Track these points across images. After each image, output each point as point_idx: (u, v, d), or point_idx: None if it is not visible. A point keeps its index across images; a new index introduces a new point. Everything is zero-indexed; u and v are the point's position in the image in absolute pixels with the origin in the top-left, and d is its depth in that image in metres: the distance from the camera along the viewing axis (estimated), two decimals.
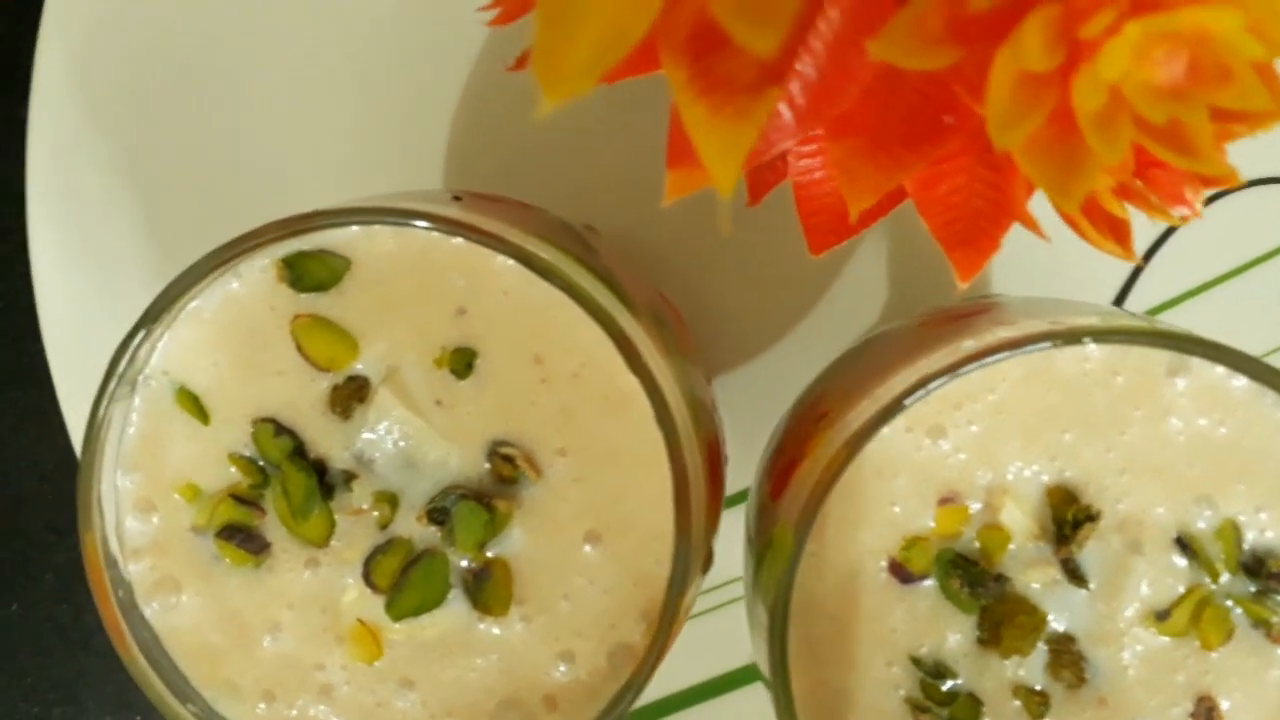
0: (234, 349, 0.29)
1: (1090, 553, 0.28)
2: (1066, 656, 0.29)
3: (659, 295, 0.36)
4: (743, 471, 0.46)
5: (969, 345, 0.27)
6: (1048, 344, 0.26)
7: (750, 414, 0.46)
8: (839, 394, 0.31)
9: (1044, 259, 0.36)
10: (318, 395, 0.29)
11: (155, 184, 0.39)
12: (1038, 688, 0.29)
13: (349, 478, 0.29)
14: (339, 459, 0.29)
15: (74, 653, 0.50)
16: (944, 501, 0.29)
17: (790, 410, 0.33)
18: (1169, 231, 0.39)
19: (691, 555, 0.28)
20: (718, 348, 0.43)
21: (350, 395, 0.29)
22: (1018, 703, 0.29)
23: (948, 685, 0.29)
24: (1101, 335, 0.26)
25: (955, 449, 0.28)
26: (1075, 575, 0.28)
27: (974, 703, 0.29)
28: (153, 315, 0.27)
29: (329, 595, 0.30)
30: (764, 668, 0.31)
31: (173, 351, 0.29)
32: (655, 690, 0.47)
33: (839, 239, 0.30)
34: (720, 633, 0.46)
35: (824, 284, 0.42)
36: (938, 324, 0.32)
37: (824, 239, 0.30)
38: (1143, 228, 0.30)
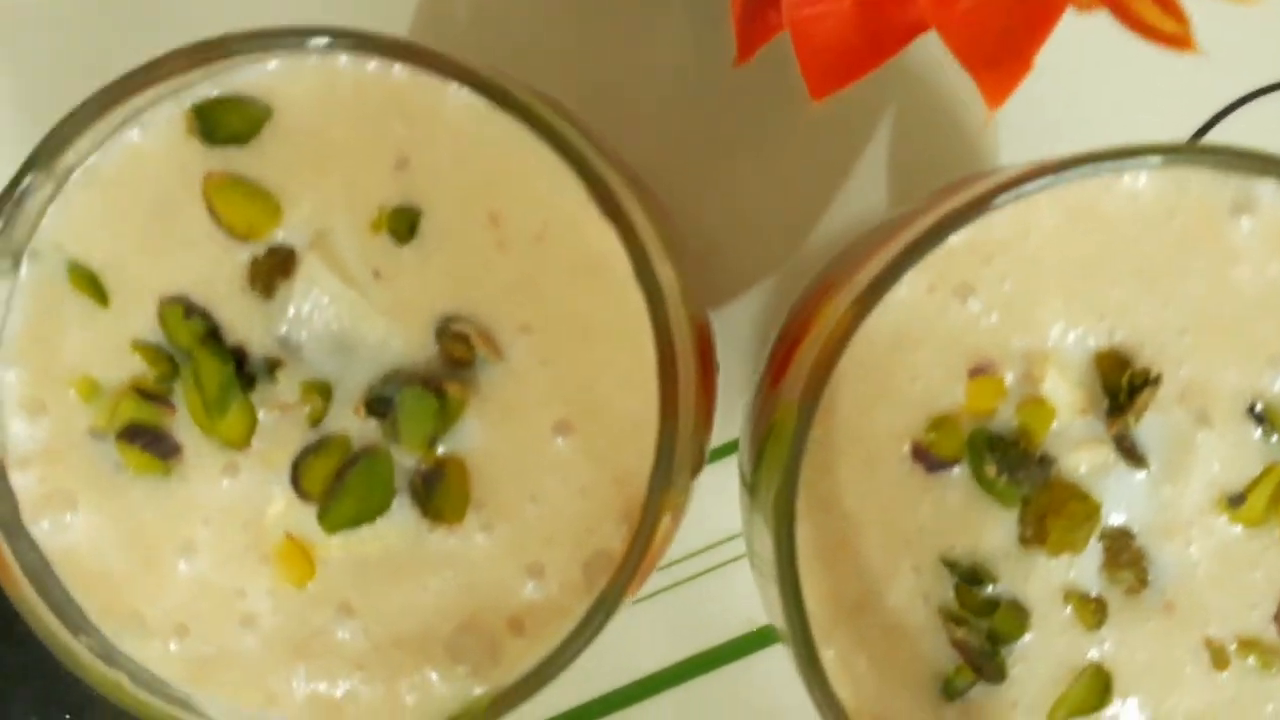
0: (137, 216, 0.25)
1: (1149, 427, 0.24)
2: (1125, 554, 0.24)
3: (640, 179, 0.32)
4: (733, 421, 0.42)
5: (996, 180, 0.23)
6: (1092, 168, 0.22)
7: (740, 353, 0.42)
8: (847, 266, 0.26)
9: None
10: (235, 270, 0.25)
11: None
12: (1093, 592, 0.25)
13: (273, 366, 0.25)
14: (261, 344, 0.25)
15: None
16: (975, 373, 0.24)
17: (792, 305, 0.29)
18: (1213, 121, 0.35)
19: (679, 443, 0.23)
20: (708, 279, 0.39)
21: (273, 269, 0.25)
22: (1069, 610, 0.25)
23: (986, 591, 0.25)
24: (1159, 154, 0.22)
25: (986, 310, 0.24)
26: (1132, 454, 0.24)
27: (1018, 612, 0.25)
28: (36, 166, 0.23)
29: (251, 507, 0.25)
30: (771, 594, 0.26)
31: (64, 221, 0.25)
32: (649, 659, 0.43)
33: (841, 82, 0.26)
34: (718, 595, 0.42)
35: (822, 204, 0.38)
36: (955, 188, 0.28)
37: (825, 82, 0.26)
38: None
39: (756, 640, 0.43)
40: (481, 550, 0.25)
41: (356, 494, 0.25)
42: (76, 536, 0.25)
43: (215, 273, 0.25)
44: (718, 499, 0.42)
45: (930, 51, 0.29)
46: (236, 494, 0.25)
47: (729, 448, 0.43)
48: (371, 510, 0.25)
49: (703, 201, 0.34)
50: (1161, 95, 0.34)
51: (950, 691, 0.25)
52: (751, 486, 0.27)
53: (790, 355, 0.26)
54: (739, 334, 0.39)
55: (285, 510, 0.25)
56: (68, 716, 0.45)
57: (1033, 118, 0.33)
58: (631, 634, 0.43)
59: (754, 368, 0.32)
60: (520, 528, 0.25)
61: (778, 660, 0.43)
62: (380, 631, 0.25)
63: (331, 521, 0.25)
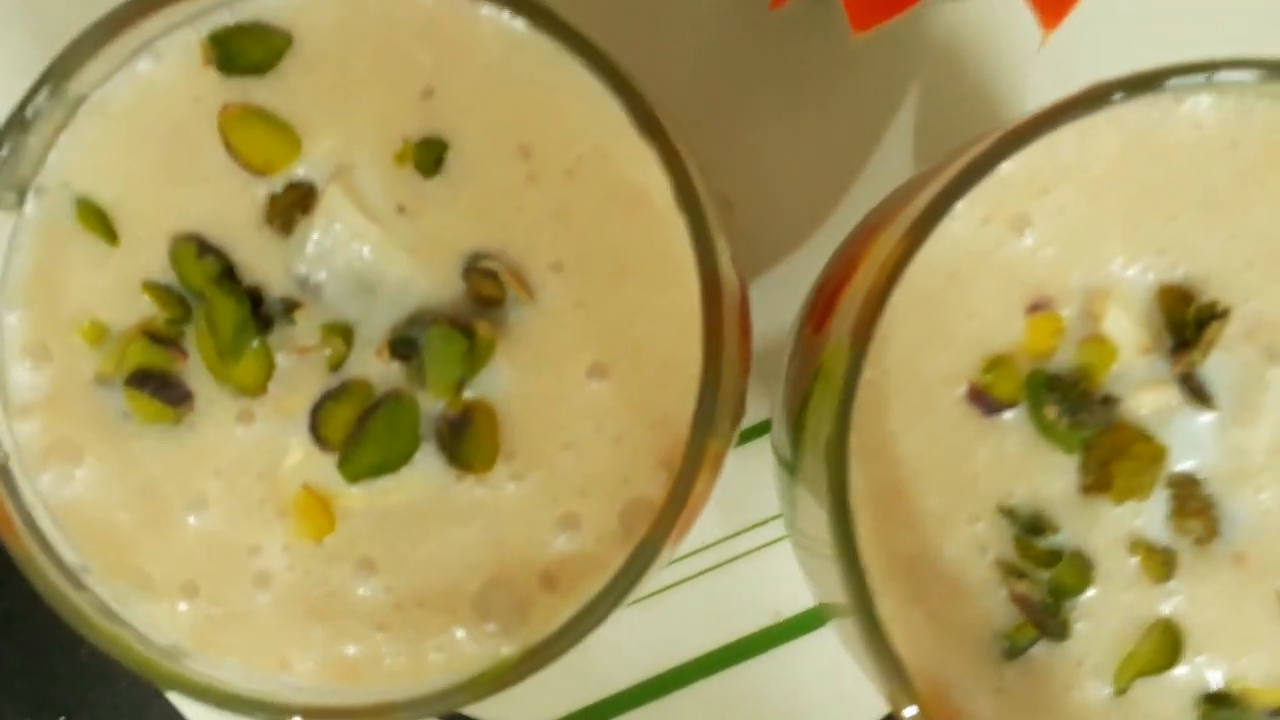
0: (149, 150, 0.23)
1: (1216, 366, 0.23)
2: (1193, 502, 0.23)
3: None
4: (755, 405, 0.41)
5: (1053, 105, 0.22)
6: (1153, 92, 0.21)
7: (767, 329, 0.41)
8: (894, 205, 0.25)
9: None
10: (252, 207, 0.23)
11: None
12: (1160, 543, 0.23)
13: (291, 307, 0.23)
14: (279, 285, 0.23)
15: None
16: (1033, 309, 0.23)
17: (834, 252, 0.28)
18: None
19: (724, 381, 0.22)
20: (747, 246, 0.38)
21: (292, 205, 0.23)
22: (1135, 562, 0.23)
23: (1047, 542, 0.23)
24: (1235, 67, 0.21)
25: (1043, 243, 0.23)
26: (1199, 395, 0.23)
27: (1081, 564, 0.23)
28: (45, 86, 0.22)
29: (267, 457, 0.23)
30: (818, 559, 0.25)
31: (72, 155, 0.23)
32: (671, 653, 0.41)
33: (884, 15, 0.25)
34: (741, 587, 0.41)
35: (858, 162, 0.37)
36: (1004, 127, 0.26)
37: (868, 14, 0.25)
38: None
39: (782, 633, 0.42)
40: (512, 501, 0.23)
41: (379, 441, 0.23)
42: (81, 490, 0.23)
43: (231, 210, 0.23)
44: (737, 488, 0.41)
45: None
46: (251, 443, 0.23)
47: (749, 433, 0.41)
48: (395, 458, 0.23)
49: (735, 157, 0.33)
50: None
51: (1011, 649, 0.23)
52: (794, 443, 0.25)
53: (834, 300, 0.25)
54: (767, 309, 0.38)
55: (303, 460, 0.23)
56: (62, 718, 0.43)
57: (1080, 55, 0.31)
58: (653, 628, 0.41)
59: (787, 336, 0.31)
60: (553, 477, 0.23)
61: (802, 653, 0.42)
62: (403, 589, 0.23)
63: (353, 470, 0.23)
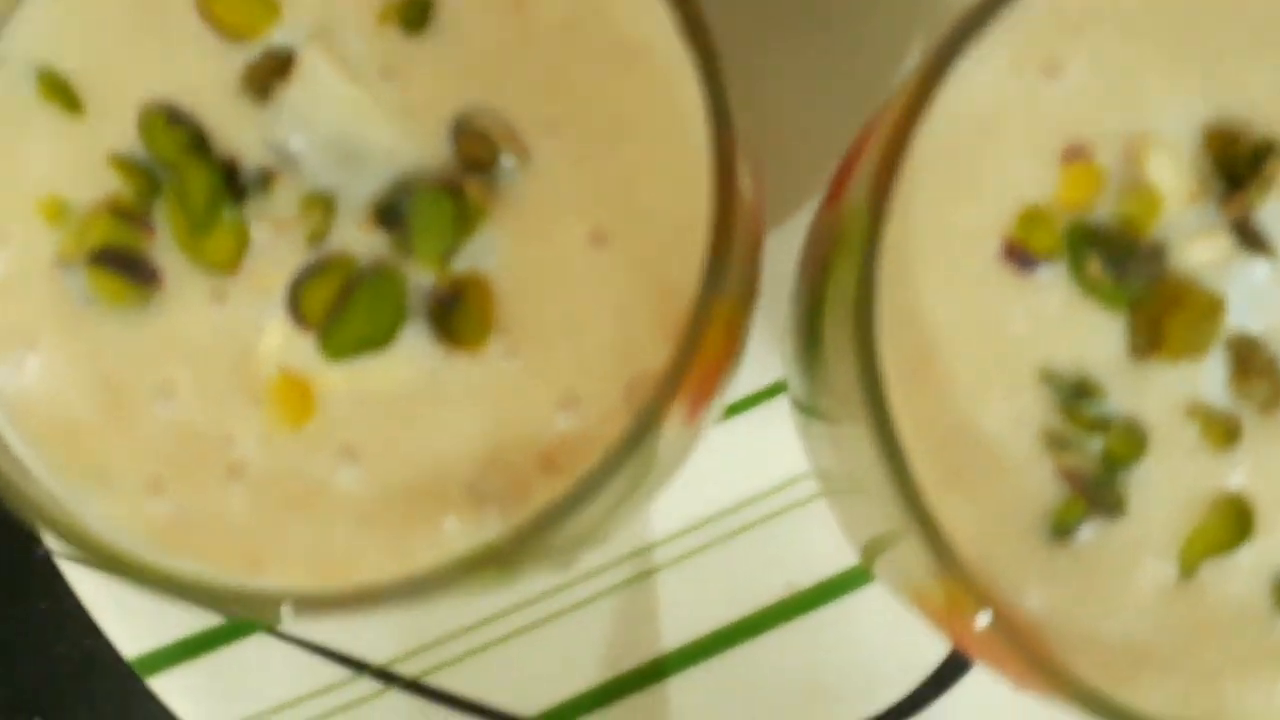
0: (115, 15, 0.22)
1: (1273, 212, 0.21)
2: (1255, 362, 0.21)
3: None
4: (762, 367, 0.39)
5: None
6: None
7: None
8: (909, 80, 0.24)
9: None
10: (227, 75, 0.22)
11: None
12: (1221, 408, 0.21)
13: (267, 178, 0.22)
14: (254, 156, 0.22)
15: None
16: (1068, 158, 0.21)
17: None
18: None
19: (735, 238, 0.20)
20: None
21: (270, 72, 0.22)
22: (1195, 430, 0.21)
23: (1095, 409, 0.21)
24: None
25: (1078, 87, 0.21)
26: (1256, 241, 0.21)
27: (1134, 432, 0.21)
28: None
29: (241, 339, 0.21)
30: (845, 497, 0.23)
31: (32, 23, 0.22)
32: (682, 628, 0.38)
33: None
34: (754, 559, 0.39)
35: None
36: None
37: None
38: None
39: (797, 606, 0.39)
40: (506, 380, 0.21)
41: (363, 316, 0.21)
42: (34, 380, 0.21)
43: (204, 78, 0.22)
44: (744, 456, 0.39)
45: None
46: (224, 325, 0.22)
47: (755, 399, 0.40)
48: (380, 335, 0.21)
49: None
50: None
51: (1060, 528, 0.21)
52: (812, 339, 0.23)
53: (852, 166, 0.23)
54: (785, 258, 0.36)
55: (280, 342, 0.22)
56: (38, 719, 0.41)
57: None
58: (658, 605, 0.39)
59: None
60: (551, 353, 0.21)
61: (820, 627, 0.39)
62: (389, 478, 0.21)
63: (335, 346, 0.21)
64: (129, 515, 0.21)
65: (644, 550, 0.39)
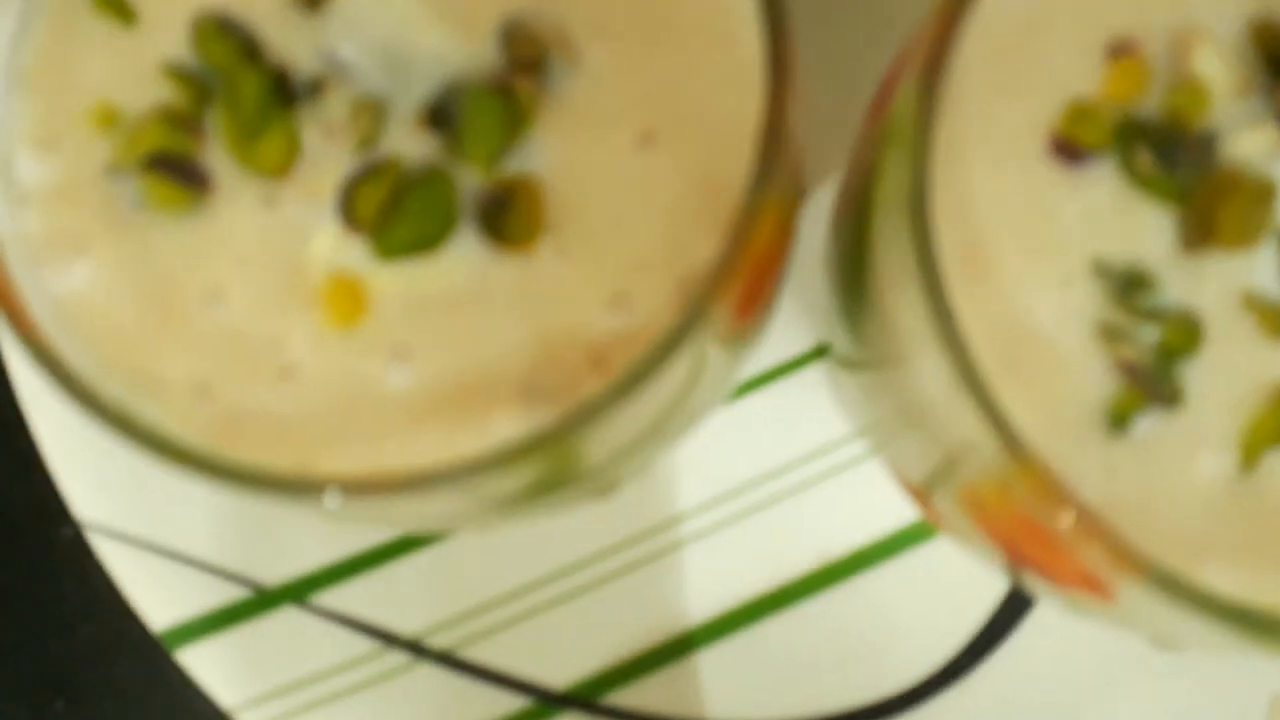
0: None
1: None
2: None
3: None
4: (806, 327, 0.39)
5: None
6: None
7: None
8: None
9: None
10: None
11: None
12: (1277, 299, 0.21)
13: (317, 85, 0.22)
14: (305, 64, 0.22)
15: None
16: (1113, 53, 0.21)
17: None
18: None
19: (788, 128, 0.20)
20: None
21: None
22: (1251, 321, 0.21)
23: (1150, 302, 0.21)
24: None
25: None
26: None
27: (1189, 323, 0.21)
28: None
29: (292, 242, 0.21)
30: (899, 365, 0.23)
31: None
32: (710, 600, 0.38)
33: None
34: (782, 530, 0.38)
35: None
36: None
37: None
38: None
39: (826, 577, 0.39)
40: (557, 280, 0.21)
41: (415, 218, 0.21)
42: (84, 285, 0.21)
43: None
44: (774, 424, 0.39)
45: None
46: (275, 228, 0.22)
47: (782, 369, 0.39)
48: (432, 236, 0.21)
49: None
50: None
51: (1117, 420, 0.21)
52: (857, 246, 0.23)
53: (890, 91, 0.24)
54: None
55: (332, 244, 0.22)
56: (61, 702, 0.40)
57: None
58: (693, 574, 0.39)
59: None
60: (601, 251, 0.21)
61: (852, 597, 0.39)
62: (439, 376, 0.21)
63: (387, 246, 0.21)
64: (180, 418, 0.21)
65: (673, 522, 0.39)
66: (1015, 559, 0.23)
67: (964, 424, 0.20)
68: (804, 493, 0.39)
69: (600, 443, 0.21)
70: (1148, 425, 0.21)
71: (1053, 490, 0.19)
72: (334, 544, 0.38)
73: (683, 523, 0.39)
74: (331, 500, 0.19)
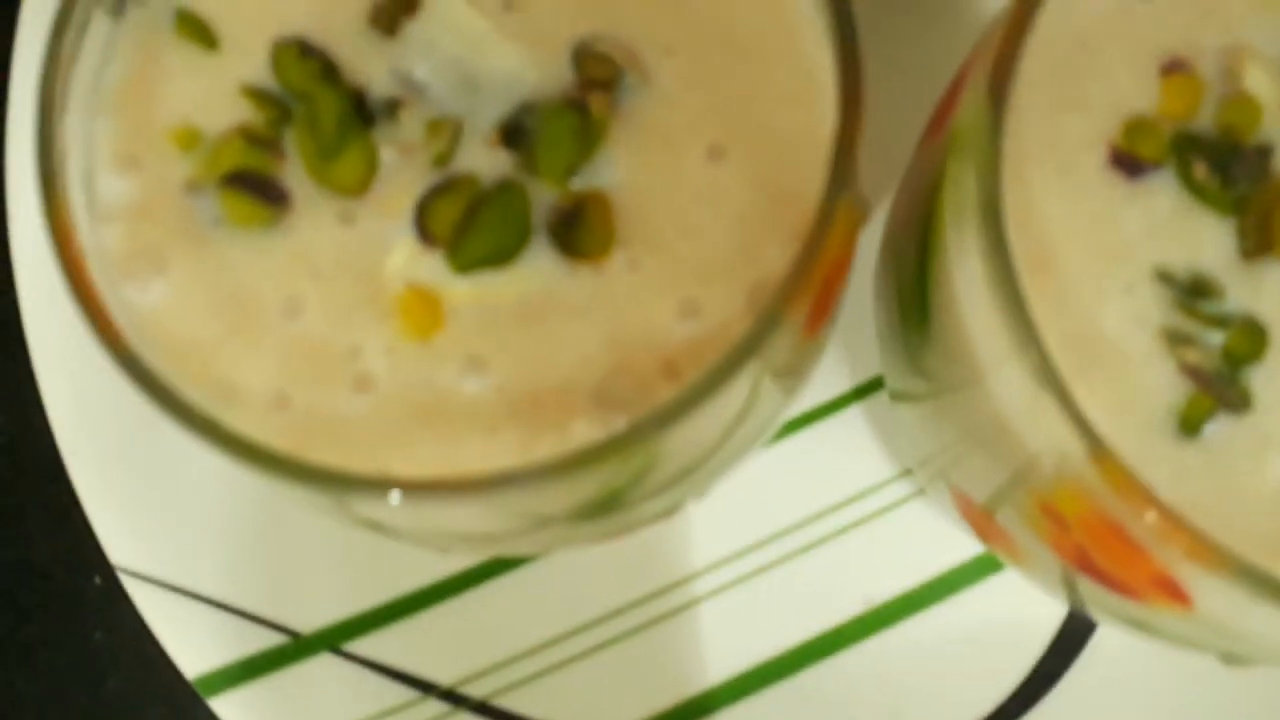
0: None
1: None
2: None
3: None
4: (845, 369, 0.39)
5: None
6: None
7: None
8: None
9: None
10: (356, 9, 0.23)
11: None
12: None
13: (394, 106, 0.22)
14: (382, 86, 0.23)
15: None
16: (1168, 71, 0.22)
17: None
18: None
19: (859, 139, 0.21)
20: None
21: (398, 8, 0.23)
22: None
23: (1213, 308, 0.22)
24: None
25: (1172, 7, 0.23)
26: None
27: (1253, 329, 0.21)
28: None
29: (369, 257, 0.22)
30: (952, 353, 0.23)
31: None
32: (758, 647, 0.37)
33: None
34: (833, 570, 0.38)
35: None
36: None
37: None
38: None
39: (876, 621, 0.38)
40: (629, 289, 0.22)
41: (490, 231, 0.22)
42: (164, 298, 0.22)
43: (333, 15, 0.23)
44: (817, 465, 0.39)
45: None
46: (352, 243, 0.22)
47: (827, 408, 0.39)
48: (507, 249, 0.22)
49: None
50: None
51: (1188, 425, 0.21)
52: (922, 261, 0.24)
53: (946, 113, 0.24)
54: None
55: (408, 259, 0.22)
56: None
57: None
58: (732, 623, 0.38)
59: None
60: (672, 262, 0.22)
61: (900, 644, 0.38)
62: (516, 387, 0.21)
63: (462, 260, 0.22)
64: (257, 428, 0.21)
65: (713, 568, 0.39)
66: (1085, 571, 0.23)
67: (1043, 431, 0.20)
68: (848, 536, 0.39)
69: (673, 451, 0.21)
70: (1217, 429, 0.21)
71: (1136, 487, 0.19)
72: (369, 591, 0.38)
73: (723, 568, 0.39)
74: (398, 498, 0.19)
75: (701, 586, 0.39)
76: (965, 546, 0.39)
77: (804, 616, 0.39)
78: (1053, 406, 0.19)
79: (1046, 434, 0.21)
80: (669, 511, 0.25)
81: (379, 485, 0.19)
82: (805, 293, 0.20)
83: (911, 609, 0.39)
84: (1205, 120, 0.22)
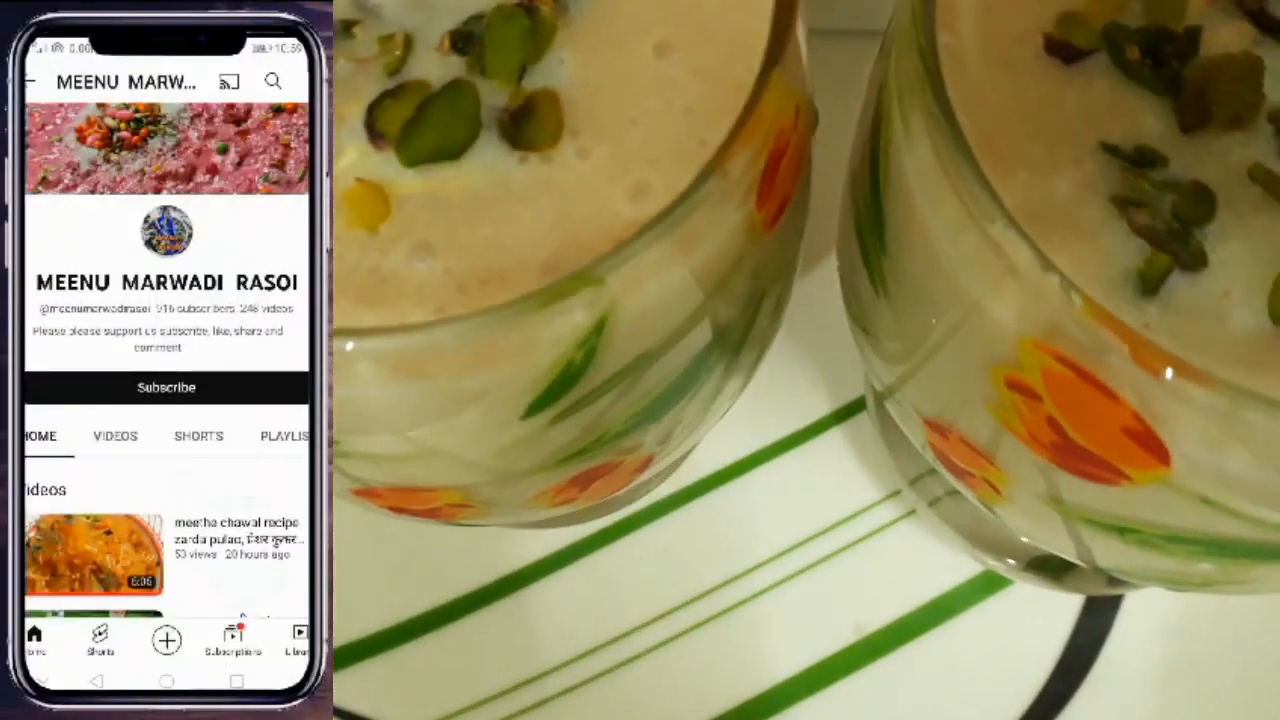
0: None
1: None
2: None
3: None
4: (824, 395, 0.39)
5: None
6: None
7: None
8: None
9: None
10: None
11: None
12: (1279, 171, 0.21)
13: (349, 25, 0.23)
14: (340, 10, 0.23)
15: None
16: None
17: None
18: None
19: (795, 22, 0.21)
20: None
21: None
22: (1258, 190, 0.21)
23: (1159, 175, 0.21)
24: None
25: None
26: (1275, 26, 0.22)
27: (1201, 192, 0.21)
28: None
29: None
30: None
31: None
32: (750, 679, 0.35)
33: None
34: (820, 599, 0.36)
35: None
36: None
37: None
38: None
39: (867, 650, 0.36)
40: (578, 176, 0.22)
41: (439, 126, 0.22)
42: None
43: None
44: (804, 490, 0.38)
45: None
46: None
47: (809, 431, 0.39)
48: (455, 143, 0.22)
49: None
50: None
51: (1147, 284, 0.20)
52: (880, 159, 0.24)
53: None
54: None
55: (357, 159, 0.22)
56: None
57: None
58: (722, 654, 0.36)
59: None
60: (621, 149, 0.22)
61: (893, 672, 0.36)
62: (464, 269, 0.21)
63: (410, 152, 0.22)
64: None
65: (698, 598, 0.37)
66: (1061, 463, 0.22)
67: (1006, 295, 0.20)
68: (836, 561, 0.37)
69: (620, 321, 0.20)
70: (1175, 287, 0.21)
71: (1108, 316, 0.18)
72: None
73: (708, 597, 0.37)
74: (350, 346, 0.18)
75: (686, 618, 0.37)
76: (961, 568, 0.38)
77: (793, 649, 0.37)
78: (1021, 260, 0.19)
79: (1010, 297, 0.20)
80: (637, 453, 0.24)
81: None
82: (741, 151, 0.20)
83: (907, 636, 0.37)
84: (1134, 14, 0.23)
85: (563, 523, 0.36)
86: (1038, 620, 0.37)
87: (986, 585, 0.38)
